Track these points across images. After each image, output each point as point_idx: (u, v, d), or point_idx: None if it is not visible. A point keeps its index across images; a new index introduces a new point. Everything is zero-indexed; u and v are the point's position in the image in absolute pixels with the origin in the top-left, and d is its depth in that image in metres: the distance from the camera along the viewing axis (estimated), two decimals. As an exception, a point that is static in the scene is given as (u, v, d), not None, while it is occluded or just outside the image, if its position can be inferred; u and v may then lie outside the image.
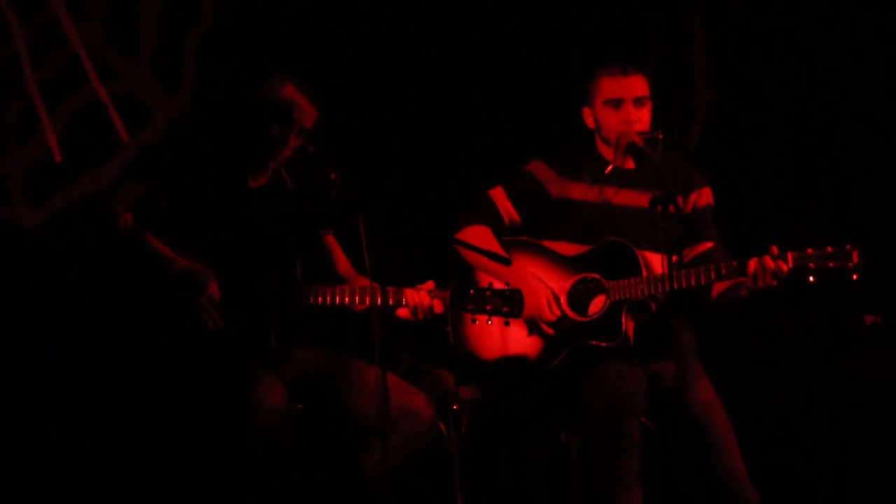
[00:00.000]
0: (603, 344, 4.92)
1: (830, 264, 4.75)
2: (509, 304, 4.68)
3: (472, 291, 4.70)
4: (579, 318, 4.99)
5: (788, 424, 5.85)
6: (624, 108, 5.03)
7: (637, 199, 5.07)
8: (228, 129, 4.89)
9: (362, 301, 4.72)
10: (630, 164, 5.10)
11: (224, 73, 5.75)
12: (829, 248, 4.75)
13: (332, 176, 4.61)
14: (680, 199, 5.02)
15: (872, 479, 5.64)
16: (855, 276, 4.75)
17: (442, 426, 5.00)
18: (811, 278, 4.76)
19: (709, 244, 5.06)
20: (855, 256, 4.74)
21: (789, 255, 4.78)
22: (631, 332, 4.94)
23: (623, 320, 4.92)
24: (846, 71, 6.12)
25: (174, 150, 5.01)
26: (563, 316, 4.98)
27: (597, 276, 4.99)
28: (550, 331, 5.00)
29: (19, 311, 5.50)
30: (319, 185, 4.71)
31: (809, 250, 4.76)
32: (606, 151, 5.14)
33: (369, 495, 4.71)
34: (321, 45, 5.89)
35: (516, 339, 5.04)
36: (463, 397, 5.13)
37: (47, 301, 5.48)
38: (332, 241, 5.00)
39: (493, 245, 5.08)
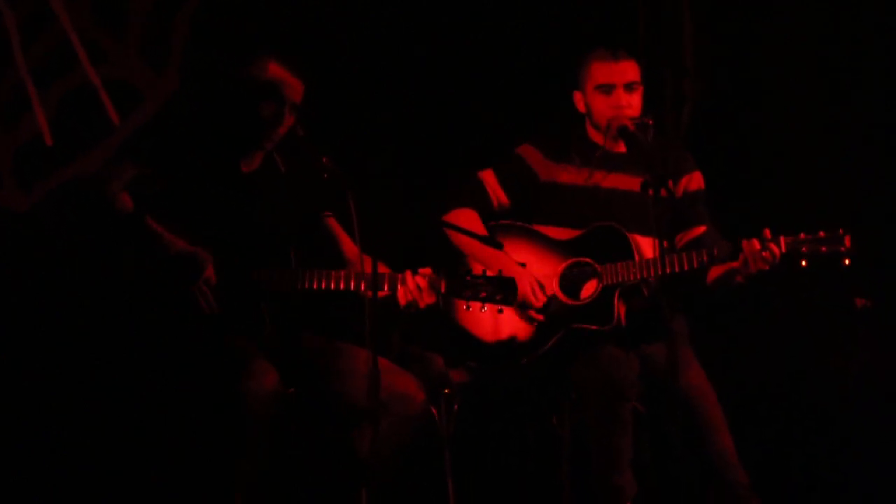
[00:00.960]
0: (595, 328, 4.94)
1: (823, 249, 4.76)
2: (503, 291, 4.68)
3: (468, 278, 4.70)
4: (572, 303, 4.99)
5: (779, 408, 5.87)
6: (615, 93, 5.04)
7: (626, 182, 5.08)
8: (219, 113, 4.87)
9: (357, 286, 4.71)
10: (620, 149, 5.10)
11: (213, 54, 5.73)
12: (822, 233, 4.77)
13: (324, 159, 4.61)
14: (671, 184, 5.03)
15: (863, 462, 5.66)
16: (847, 261, 4.77)
17: (433, 410, 5.00)
18: (803, 262, 4.78)
19: (701, 228, 5.08)
20: (847, 241, 4.76)
21: (782, 239, 4.79)
22: (623, 317, 4.95)
23: (616, 304, 4.93)
24: (835, 53, 6.12)
25: (165, 134, 5.00)
26: (549, 301, 4.99)
27: (589, 260, 5.00)
28: (539, 316, 5.00)
29: (12, 294, 5.49)
30: (311, 168, 4.70)
31: (802, 235, 4.78)
32: (596, 135, 5.15)
33: (361, 478, 4.71)
34: (310, 25, 5.87)
35: (509, 325, 5.05)
36: (454, 381, 5.14)
37: (40, 284, 5.47)
38: (333, 223, 4.98)
39: (480, 229, 5.08)
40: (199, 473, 4.75)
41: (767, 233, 4.78)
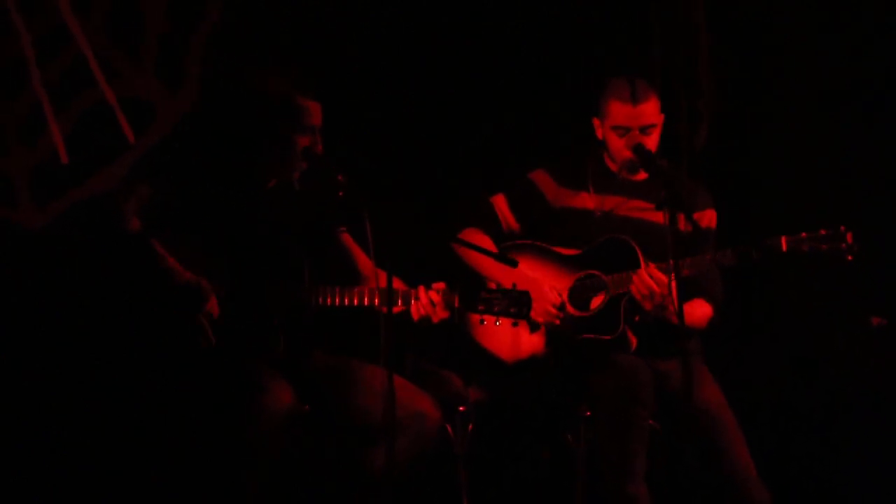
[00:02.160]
0: (602, 337, 4.93)
1: (824, 247, 4.75)
2: (517, 305, 4.68)
3: (482, 293, 4.69)
4: (581, 314, 5.00)
5: (798, 423, 5.86)
6: (631, 136, 5.05)
7: (640, 210, 5.09)
8: (235, 132, 4.88)
9: (371, 302, 4.71)
10: (634, 177, 5.12)
11: (229, 73, 5.74)
12: (823, 231, 4.76)
13: (339, 177, 4.61)
14: (682, 217, 5.03)
15: (883, 478, 5.65)
16: (850, 258, 4.75)
17: (448, 428, 4.99)
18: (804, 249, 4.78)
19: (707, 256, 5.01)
20: (849, 238, 4.75)
21: (783, 239, 4.79)
22: (634, 325, 4.95)
23: (622, 314, 4.93)
24: (850, 72, 6.13)
25: (181, 153, 5.00)
26: (566, 317, 4.99)
27: (597, 272, 5.00)
28: (556, 331, 5.00)
29: (23, 312, 5.49)
30: (326, 186, 4.70)
31: (804, 234, 4.77)
32: (612, 163, 5.16)
33: (376, 496, 4.70)
34: (327, 46, 5.88)
35: (524, 340, 5.05)
36: (469, 399, 5.14)
37: (55, 302, 5.47)
38: (348, 238, 4.98)
39: (491, 249, 5.09)
40: (212, 490, 4.74)
41: (653, 267, 4.80)
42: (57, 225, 5.60)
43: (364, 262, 4.94)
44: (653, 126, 5.06)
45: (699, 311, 5.06)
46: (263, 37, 5.83)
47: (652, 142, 5.06)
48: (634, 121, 5.04)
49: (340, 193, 4.62)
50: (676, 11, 6.31)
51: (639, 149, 4.99)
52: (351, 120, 5.68)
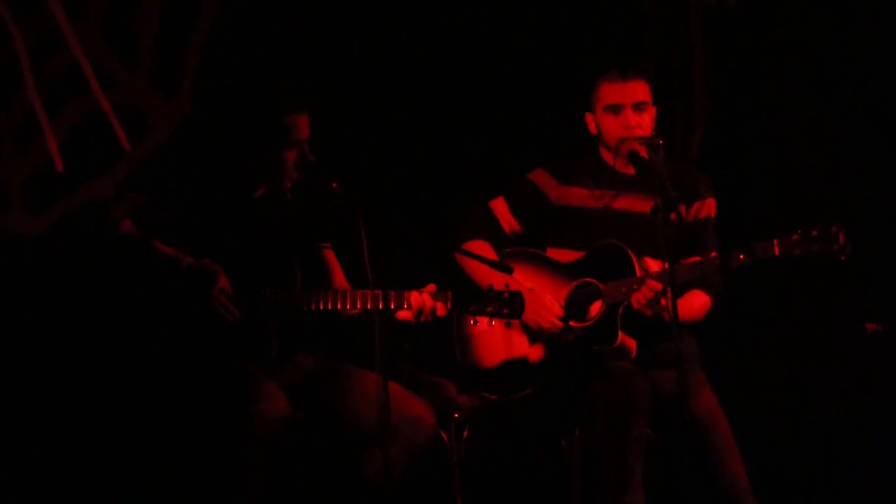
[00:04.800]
0: (602, 348, 4.92)
1: (816, 248, 4.74)
2: (510, 305, 4.67)
3: (474, 294, 4.69)
4: (577, 325, 4.99)
5: (791, 434, 5.85)
6: (624, 113, 5.03)
7: (638, 204, 5.07)
8: (228, 142, 4.88)
9: (364, 306, 4.71)
10: (631, 170, 5.09)
11: (221, 84, 5.75)
12: (815, 232, 4.74)
13: (333, 185, 4.61)
14: (683, 208, 5.03)
15: (875, 488, 5.64)
16: (843, 258, 4.74)
17: (443, 434, 4.99)
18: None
19: (698, 259, 5.00)
20: (841, 238, 4.73)
21: (774, 241, 4.78)
22: (631, 335, 4.94)
23: (619, 323, 4.92)
24: (846, 74, 6.13)
25: (174, 161, 5.00)
26: (566, 328, 4.98)
27: (593, 280, 4.99)
28: (554, 341, 5.00)
29: (19, 319, 5.49)
30: (320, 193, 4.71)
31: (795, 236, 4.76)
32: (608, 156, 5.14)
33: (370, 503, 4.70)
34: (321, 52, 5.89)
35: (518, 345, 5.04)
36: (464, 405, 5.13)
37: (51, 310, 5.47)
38: (330, 255, 4.99)
39: (493, 258, 5.08)
40: (207, 498, 4.74)
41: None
42: (52, 232, 5.60)
43: (340, 280, 4.95)
44: (645, 104, 5.04)
45: (697, 301, 5.04)
46: (259, 44, 5.83)
47: (646, 124, 5.04)
48: (627, 97, 5.02)
49: (335, 201, 4.61)
50: (671, 15, 6.32)
51: (633, 156, 4.97)
52: (345, 127, 5.69)
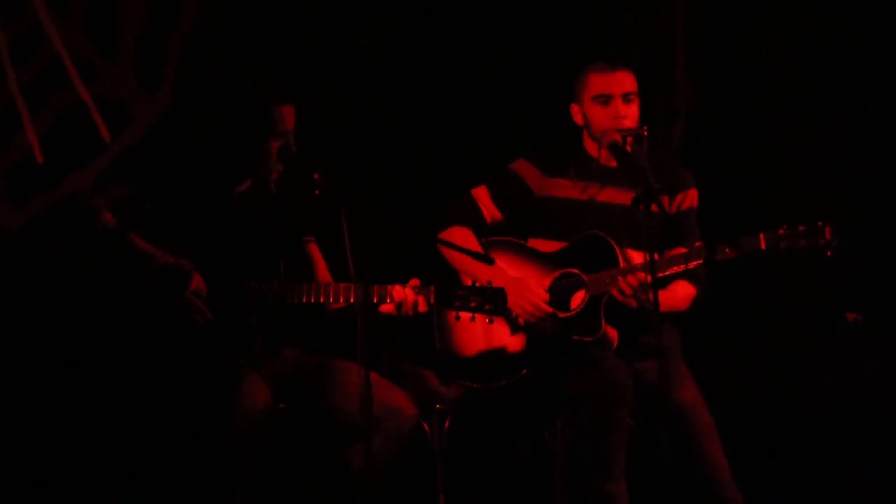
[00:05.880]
0: (584, 339, 4.93)
1: (802, 243, 4.75)
2: (492, 301, 4.67)
3: (457, 289, 4.70)
4: (560, 315, 4.99)
5: (772, 423, 5.86)
6: (612, 103, 5.03)
7: (621, 196, 5.07)
8: (210, 134, 4.88)
9: (347, 299, 4.71)
10: (615, 162, 5.09)
11: (208, 74, 5.74)
12: (801, 227, 4.76)
13: (315, 176, 4.61)
14: (665, 200, 5.03)
15: (857, 478, 5.66)
16: (829, 253, 4.76)
17: (425, 425, 4.99)
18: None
19: (683, 250, 5.02)
20: (828, 233, 4.74)
21: (761, 235, 4.79)
22: (613, 326, 4.95)
23: (602, 314, 4.93)
24: (826, 64, 6.14)
25: (156, 153, 5.00)
26: (548, 316, 4.99)
27: (576, 271, 5.00)
28: (537, 330, 5.00)
29: (6, 310, 5.49)
30: (303, 185, 4.71)
31: (781, 231, 4.77)
32: (593, 148, 5.14)
33: (353, 494, 4.70)
34: (303, 43, 5.88)
35: (499, 337, 5.04)
36: (446, 396, 5.14)
37: (33, 301, 5.47)
38: (314, 248, 4.99)
39: (475, 247, 5.08)
40: (193, 491, 4.74)
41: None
42: (33, 224, 5.58)
43: (323, 273, 4.95)
44: (633, 94, 5.04)
45: (681, 291, 5.05)
46: (241, 36, 5.82)
47: (633, 115, 5.03)
48: (615, 87, 5.02)
49: (317, 192, 4.61)
50: (653, 6, 6.33)
51: (614, 147, 4.98)
52: (326, 118, 5.68)
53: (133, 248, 4.66)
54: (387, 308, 4.72)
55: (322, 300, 4.72)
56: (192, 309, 4.64)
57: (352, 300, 4.69)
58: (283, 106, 4.76)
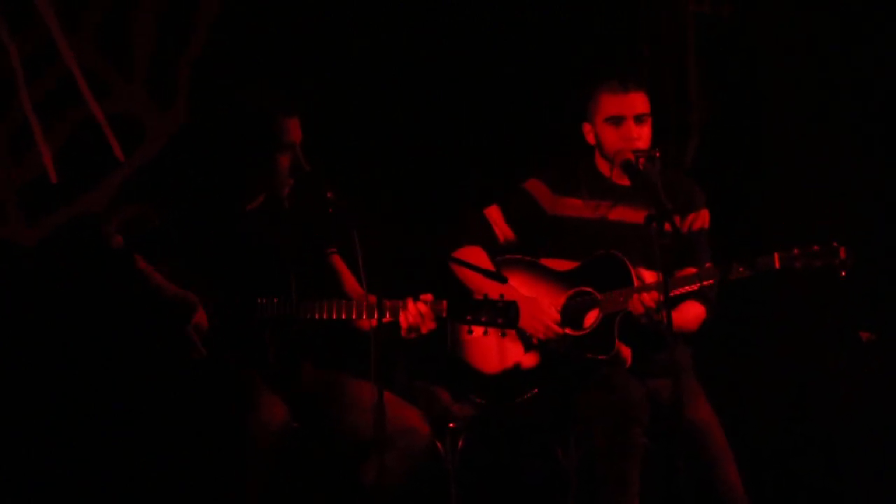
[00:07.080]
0: (598, 357, 4.93)
1: (817, 263, 4.75)
2: (504, 315, 4.66)
3: (470, 303, 4.69)
4: (574, 333, 4.99)
5: (787, 442, 5.86)
6: (625, 125, 5.03)
7: (633, 215, 5.07)
8: (223, 152, 4.88)
9: (359, 315, 4.71)
10: (627, 181, 5.09)
11: (214, 91, 5.75)
12: (816, 247, 4.75)
13: (328, 194, 4.61)
14: (677, 219, 5.03)
15: (872, 496, 5.65)
16: (843, 274, 4.75)
17: (438, 443, 4.99)
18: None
19: (695, 270, 5.01)
20: (842, 253, 4.74)
21: (776, 255, 4.78)
22: (627, 344, 4.94)
23: (616, 332, 4.92)
24: (841, 82, 6.14)
25: (169, 171, 5.00)
26: (563, 335, 4.98)
27: (590, 289, 5.00)
28: (550, 349, 5.00)
29: (13, 328, 5.49)
30: (315, 202, 4.70)
31: (796, 250, 4.76)
32: (605, 167, 5.14)
33: (366, 514, 4.70)
34: (316, 60, 5.89)
35: (513, 354, 5.04)
36: (459, 414, 5.13)
37: (45, 318, 5.47)
38: (337, 259, 4.98)
39: (487, 266, 5.08)
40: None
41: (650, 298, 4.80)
42: (47, 243, 5.59)
43: (352, 285, 4.94)
44: (646, 115, 5.04)
45: (692, 311, 5.04)
46: (253, 53, 5.83)
47: (646, 136, 5.03)
48: (628, 108, 5.02)
49: (330, 210, 4.61)
50: (665, 25, 6.33)
51: (627, 165, 4.98)
52: (340, 135, 5.69)
53: (140, 276, 4.65)
54: (403, 321, 4.71)
55: (335, 316, 4.72)
56: (189, 343, 4.64)
57: (364, 316, 4.68)
58: (287, 118, 4.75)
